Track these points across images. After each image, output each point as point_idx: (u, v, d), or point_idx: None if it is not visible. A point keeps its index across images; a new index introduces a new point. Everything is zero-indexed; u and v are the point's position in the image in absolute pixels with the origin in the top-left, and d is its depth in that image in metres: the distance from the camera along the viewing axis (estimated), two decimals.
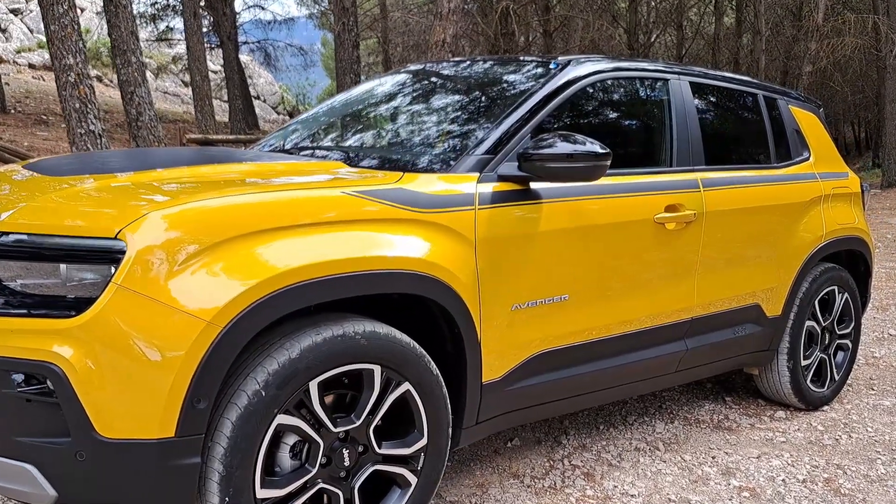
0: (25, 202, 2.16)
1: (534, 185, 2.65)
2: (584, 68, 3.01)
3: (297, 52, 34.25)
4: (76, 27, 9.42)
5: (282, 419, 2.11)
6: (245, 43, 27.71)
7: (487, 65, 3.37)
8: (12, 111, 17.79)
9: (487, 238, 2.50)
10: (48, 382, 1.93)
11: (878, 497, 3.04)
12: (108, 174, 2.41)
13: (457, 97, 3.18)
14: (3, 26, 28.75)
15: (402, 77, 3.64)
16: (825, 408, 4.01)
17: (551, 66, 3.03)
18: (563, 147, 2.52)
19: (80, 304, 1.93)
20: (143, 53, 12.27)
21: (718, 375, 4.20)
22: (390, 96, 3.47)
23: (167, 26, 26.55)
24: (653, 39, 27.23)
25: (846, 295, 4.01)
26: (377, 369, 2.26)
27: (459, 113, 3.02)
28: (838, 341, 4.06)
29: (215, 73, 29.35)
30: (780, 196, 3.61)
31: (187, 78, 33.99)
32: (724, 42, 24.08)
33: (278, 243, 2.09)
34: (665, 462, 3.28)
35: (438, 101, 3.23)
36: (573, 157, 2.52)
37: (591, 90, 3.05)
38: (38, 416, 1.96)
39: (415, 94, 3.38)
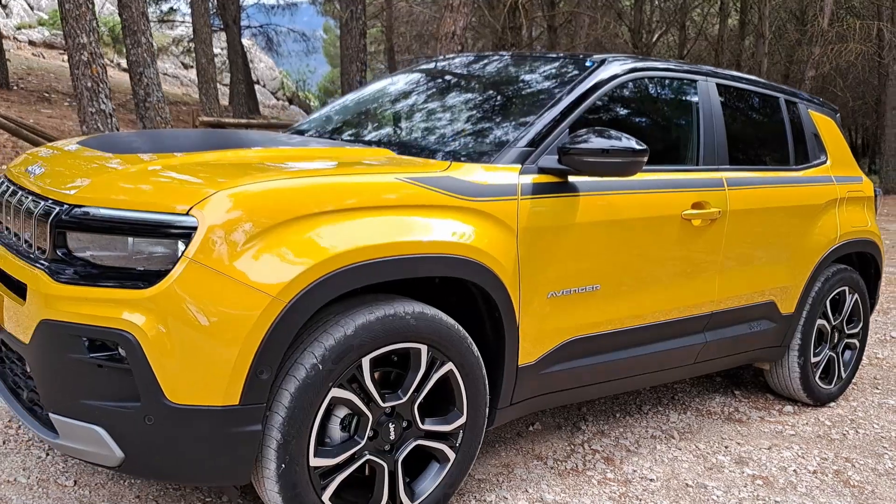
0: (93, 177, 2.25)
1: (571, 179, 2.75)
2: (620, 67, 3.11)
3: (299, 38, 34.19)
4: (91, 6, 9.44)
5: (336, 392, 2.21)
6: (248, 27, 27.63)
7: (523, 60, 3.47)
8: (15, 87, 17.74)
9: (528, 227, 2.60)
10: (119, 349, 2.03)
11: (886, 489, 3.17)
12: (167, 153, 2.50)
13: (495, 91, 3.27)
14: (3, 2, 28.58)
15: (436, 69, 3.73)
16: (832, 404, 4.14)
17: (587, 63, 3.13)
18: (601, 142, 2.63)
19: (151, 276, 2.03)
20: (152, 35, 12.29)
21: (728, 369, 4.32)
22: (426, 88, 3.56)
23: (171, 7, 26.51)
24: (654, 39, 27.32)
25: (856, 296, 4.14)
26: (424, 349, 2.37)
27: (499, 106, 3.11)
28: (846, 340, 4.19)
29: (216, 56, 29.30)
30: (799, 198, 3.72)
31: (187, 60, 33.89)
32: (727, 44, 24.18)
33: (338, 225, 2.19)
34: (680, 450, 3.40)
35: (477, 94, 3.32)
36: (611, 152, 2.62)
37: (624, 88, 3.16)
38: (109, 380, 2.05)
39: (452, 87, 3.47)
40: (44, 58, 24.15)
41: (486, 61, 3.61)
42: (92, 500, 2.54)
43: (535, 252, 2.63)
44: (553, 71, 3.22)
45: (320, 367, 2.16)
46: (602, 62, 3.11)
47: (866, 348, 5.12)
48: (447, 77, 3.60)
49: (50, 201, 2.20)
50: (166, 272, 2.02)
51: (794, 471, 3.28)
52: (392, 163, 2.60)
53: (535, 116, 2.84)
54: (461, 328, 2.47)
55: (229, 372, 2.03)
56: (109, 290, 2.03)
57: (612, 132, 2.66)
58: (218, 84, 26.65)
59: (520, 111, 2.97)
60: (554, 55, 3.41)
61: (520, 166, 2.66)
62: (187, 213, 2.04)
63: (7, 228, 2.50)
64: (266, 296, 2.04)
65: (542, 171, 2.70)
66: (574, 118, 2.86)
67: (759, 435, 3.66)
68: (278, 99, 42.12)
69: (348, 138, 3.15)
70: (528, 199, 2.62)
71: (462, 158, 2.70)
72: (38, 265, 2.14)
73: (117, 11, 11.56)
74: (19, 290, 2.21)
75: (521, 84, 3.24)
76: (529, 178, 2.65)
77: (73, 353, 2.05)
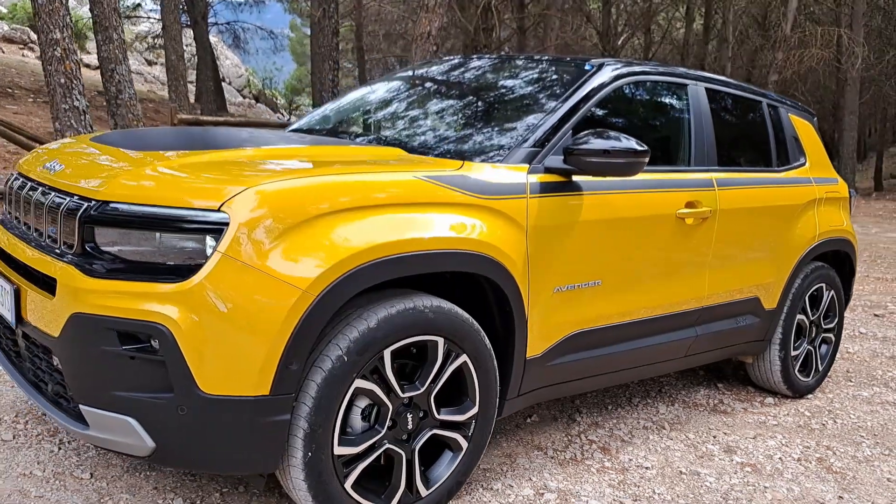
0: (120, 173, 2.29)
1: (575, 178, 2.86)
2: (616, 71, 3.23)
3: (266, 36, 34.00)
4: (64, 1, 9.33)
5: (359, 383, 2.29)
6: (214, 24, 27.38)
7: (527, 62, 3.57)
8: None
9: (536, 225, 2.70)
10: (152, 341, 2.08)
11: (866, 475, 3.34)
12: (192, 150, 2.55)
13: (499, 92, 3.37)
14: None
15: (438, 69, 3.81)
16: (809, 396, 4.32)
17: (586, 67, 3.24)
18: (605, 143, 2.74)
19: (183, 270, 2.08)
20: (124, 31, 12.15)
21: (712, 363, 4.48)
22: (428, 88, 3.64)
23: (136, 3, 26.14)
24: (620, 42, 27.73)
25: (832, 292, 4.33)
26: (440, 341, 2.45)
27: (505, 107, 3.21)
28: (823, 335, 4.38)
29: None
30: (782, 198, 3.89)
31: (150, 57, 33.44)
32: (692, 48, 24.64)
33: (362, 221, 2.26)
34: (672, 440, 3.53)
35: (481, 94, 3.41)
36: (615, 153, 2.73)
37: (621, 91, 3.27)
38: (141, 372, 2.10)
39: (454, 87, 3.56)
40: (3, 52, 23.63)
41: (488, 63, 3.71)
42: (110, 492, 2.58)
43: (542, 248, 2.73)
44: (555, 73, 3.32)
45: (345, 358, 2.23)
46: (600, 66, 3.23)
47: None
48: (448, 77, 3.69)
49: (76, 197, 2.24)
50: (197, 266, 2.07)
51: (780, 458, 3.43)
52: (406, 161, 2.68)
53: (540, 118, 2.94)
54: (475, 322, 2.56)
55: (261, 363, 2.09)
56: (142, 284, 2.08)
57: (615, 134, 2.77)
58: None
59: (526, 112, 3.07)
60: (555, 58, 3.52)
61: (528, 166, 2.76)
62: (218, 210, 2.09)
63: (25, 224, 2.52)
64: (296, 289, 2.11)
65: (548, 170, 2.80)
66: (576, 120, 2.97)
67: (744, 425, 3.82)
68: (244, 97, 41.71)
69: (355, 137, 3.21)
70: (537, 197, 2.72)
71: (472, 158, 2.79)
72: (66, 260, 2.18)
73: (88, 8, 11.38)
74: (46, 284, 2.24)
75: (525, 85, 3.35)
76: (537, 178, 2.75)
77: (105, 345, 2.09)
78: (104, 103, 12.39)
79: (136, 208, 2.14)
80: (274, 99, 45.79)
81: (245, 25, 30.87)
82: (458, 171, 2.59)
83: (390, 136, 3.21)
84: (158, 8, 19.83)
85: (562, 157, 2.81)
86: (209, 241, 2.10)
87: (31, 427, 3.01)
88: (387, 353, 2.33)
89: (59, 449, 2.85)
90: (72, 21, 9.63)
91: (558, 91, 3.12)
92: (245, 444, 2.15)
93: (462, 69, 3.71)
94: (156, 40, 25.25)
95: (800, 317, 4.14)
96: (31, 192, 2.48)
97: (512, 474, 3.02)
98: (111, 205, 2.16)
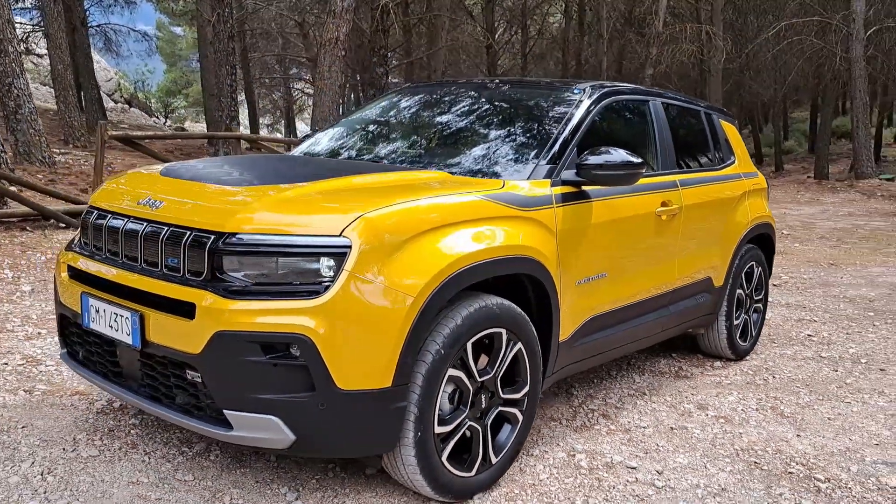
0: (239, 208, 2.61)
1: (585, 188, 3.41)
2: (600, 91, 3.81)
3: (140, 38, 32.85)
4: None
5: (451, 371, 2.74)
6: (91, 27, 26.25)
7: (522, 85, 4.09)
8: None
9: (562, 229, 3.23)
10: (292, 349, 2.45)
11: (811, 417, 4.09)
12: (292, 183, 2.87)
13: (509, 113, 3.86)
14: None
15: (446, 91, 4.24)
16: (747, 358, 5.10)
17: (575, 90, 3.80)
18: (610, 158, 3.30)
19: (314, 288, 2.47)
20: (20, 43, 11.70)
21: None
22: (439, 112, 4.08)
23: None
24: (497, 37, 28.80)
25: (761, 269, 5.11)
26: (504, 332, 2.93)
27: (519, 128, 3.70)
28: (755, 305, 5.17)
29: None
30: (724, 192, 4.61)
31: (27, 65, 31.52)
32: (571, 43, 25.93)
33: (450, 236, 2.72)
34: (655, 403, 4.17)
35: (494, 117, 3.88)
36: (619, 165, 3.30)
37: (606, 110, 3.85)
38: (283, 376, 2.47)
39: (466, 110, 4.01)
40: None
41: (491, 86, 4.18)
42: (219, 489, 2.89)
43: (567, 249, 3.26)
44: (551, 95, 3.85)
45: (442, 351, 2.67)
46: (585, 89, 3.79)
47: None
48: (461, 100, 4.11)
49: (196, 230, 2.56)
50: (328, 284, 2.46)
51: (742, 410, 4.13)
52: (460, 183, 3.12)
53: (551, 138, 3.46)
54: (525, 314, 3.05)
55: (385, 360, 2.51)
56: (278, 302, 2.45)
57: (617, 149, 3.33)
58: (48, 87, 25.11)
59: (537, 133, 3.58)
60: (548, 82, 4.06)
61: (549, 181, 3.28)
62: (340, 235, 2.49)
63: (126, 255, 2.79)
64: (408, 297, 2.54)
65: (564, 183, 3.33)
66: (579, 137, 3.52)
67: (705, 386, 4.51)
68: (115, 101, 39.99)
69: (397, 161, 3.63)
70: (560, 206, 3.25)
71: (505, 176, 3.27)
72: (199, 286, 2.51)
73: None
74: (176, 308, 2.55)
75: (529, 107, 3.84)
76: (558, 190, 3.28)
77: (249, 356, 2.44)
78: (2, 119, 11.90)
79: (263, 238, 2.50)
80: (148, 102, 44.14)
81: (117, 27, 29.73)
82: (503, 190, 3.08)
83: (428, 160, 3.61)
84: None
85: (574, 171, 3.35)
86: (332, 262, 2.48)
87: (109, 442, 3.25)
88: (469, 345, 2.79)
89: (149, 458, 3.12)
90: None
91: (559, 112, 3.65)
92: (372, 429, 2.56)
93: (467, 92, 4.16)
94: (29, 46, 23.95)
95: (739, 291, 4.89)
96: (133, 227, 2.76)
97: (542, 442, 3.54)
98: (237, 236, 2.51)
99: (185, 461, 3.11)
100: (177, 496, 2.83)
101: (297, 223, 2.54)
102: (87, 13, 25.34)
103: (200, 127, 47.44)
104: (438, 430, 2.74)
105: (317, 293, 2.45)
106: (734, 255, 4.73)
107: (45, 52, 20.47)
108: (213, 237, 2.53)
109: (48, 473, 2.94)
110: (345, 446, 2.62)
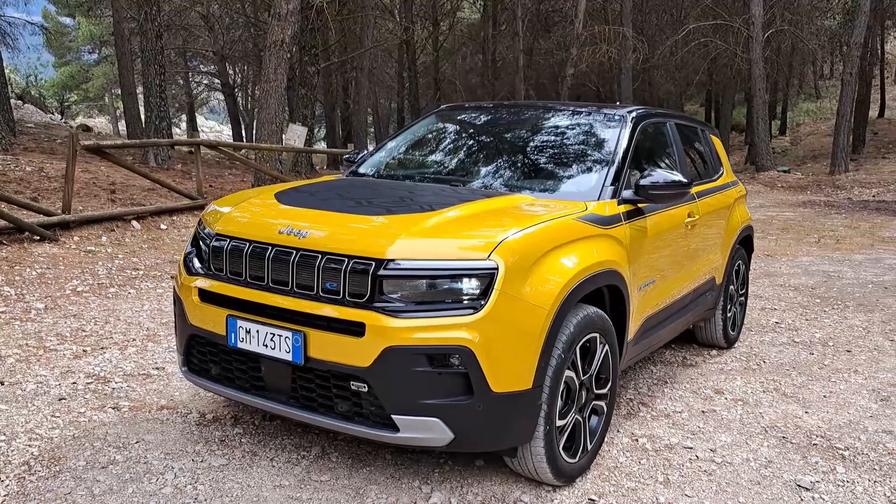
0: (389, 237, 2.94)
1: (640, 205, 3.89)
2: (639, 115, 4.32)
3: (37, 30, 31.35)
4: None
5: (567, 372, 3.17)
6: None
7: (568, 110, 4.54)
8: None
9: (630, 243, 3.71)
10: (452, 359, 2.81)
11: (809, 395, 4.74)
12: (427, 211, 3.20)
13: (566, 137, 4.30)
14: None
15: (498, 115, 4.66)
16: (736, 345, 5.75)
17: (616, 115, 4.28)
18: (663, 178, 3.80)
19: (469, 304, 2.84)
20: None
21: None
22: (504, 134, 4.48)
23: None
24: (413, 34, 29.20)
25: (745, 266, 5.78)
26: (598, 336, 3.38)
27: (579, 151, 4.15)
28: (740, 298, 5.83)
29: None
30: (723, 200, 5.22)
31: None
32: (490, 41, 26.60)
33: (564, 255, 3.14)
34: (680, 390, 4.72)
35: (553, 139, 4.30)
36: (672, 185, 3.80)
37: (642, 132, 4.35)
38: (445, 383, 2.83)
39: (525, 133, 4.42)
40: None
41: (541, 109, 4.61)
42: (360, 487, 3.21)
43: (633, 260, 3.74)
44: (598, 120, 4.33)
45: (563, 355, 3.10)
46: (628, 112, 4.30)
47: None
48: (512, 121, 4.55)
49: (356, 258, 2.88)
50: (478, 300, 2.83)
51: (752, 392, 4.74)
52: (551, 206, 3.54)
53: (610, 160, 3.93)
54: (610, 321, 3.51)
55: (529, 365, 2.92)
56: (440, 318, 2.81)
57: (670, 171, 3.85)
58: None
59: (595, 155, 4.04)
60: (593, 106, 4.53)
61: (616, 201, 3.75)
62: (488, 258, 2.87)
63: (271, 280, 3.07)
64: (543, 309, 2.95)
65: (624, 201, 3.81)
66: (630, 159, 4.01)
67: (711, 373, 5.11)
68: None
69: (464, 185, 4.00)
70: (627, 223, 3.72)
71: (583, 197, 3.68)
72: (365, 307, 2.83)
73: None
74: (342, 328, 2.86)
75: (583, 131, 4.31)
76: (623, 208, 3.75)
77: (417, 367, 2.79)
78: None
79: (421, 263, 2.85)
80: (42, 99, 41.99)
81: (11, 20, 28.25)
82: (589, 212, 3.52)
83: (503, 182, 4.00)
84: None
85: (633, 191, 3.83)
86: (478, 281, 2.86)
87: (229, 451, 3.49)
88: (577, 349, 3.23)
89: (274, 463, 3.40)
90: None
91: (608, 135, 4.13)
92: (517, 425, 2.96)
93: (519, 115, 4.58)
94: None
95: (731, 287, 5.53)
96: (282, 254, 3.03)
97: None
98: (396, 262, 2.84)
99: (309, 464, 3.40)
100: (325, 495, 3.13)
101: (448, 249, 2.90)
102: None
103: (105, 125, 45.42)
104: (559, 423, 3.16)
105: (472, 308, 2.82)
106: (730, 255, 5.35)
107: None
108: (374, 264, 2.85)
109: (196, 483, 3.17)
110: (493, 441, 3.00)
